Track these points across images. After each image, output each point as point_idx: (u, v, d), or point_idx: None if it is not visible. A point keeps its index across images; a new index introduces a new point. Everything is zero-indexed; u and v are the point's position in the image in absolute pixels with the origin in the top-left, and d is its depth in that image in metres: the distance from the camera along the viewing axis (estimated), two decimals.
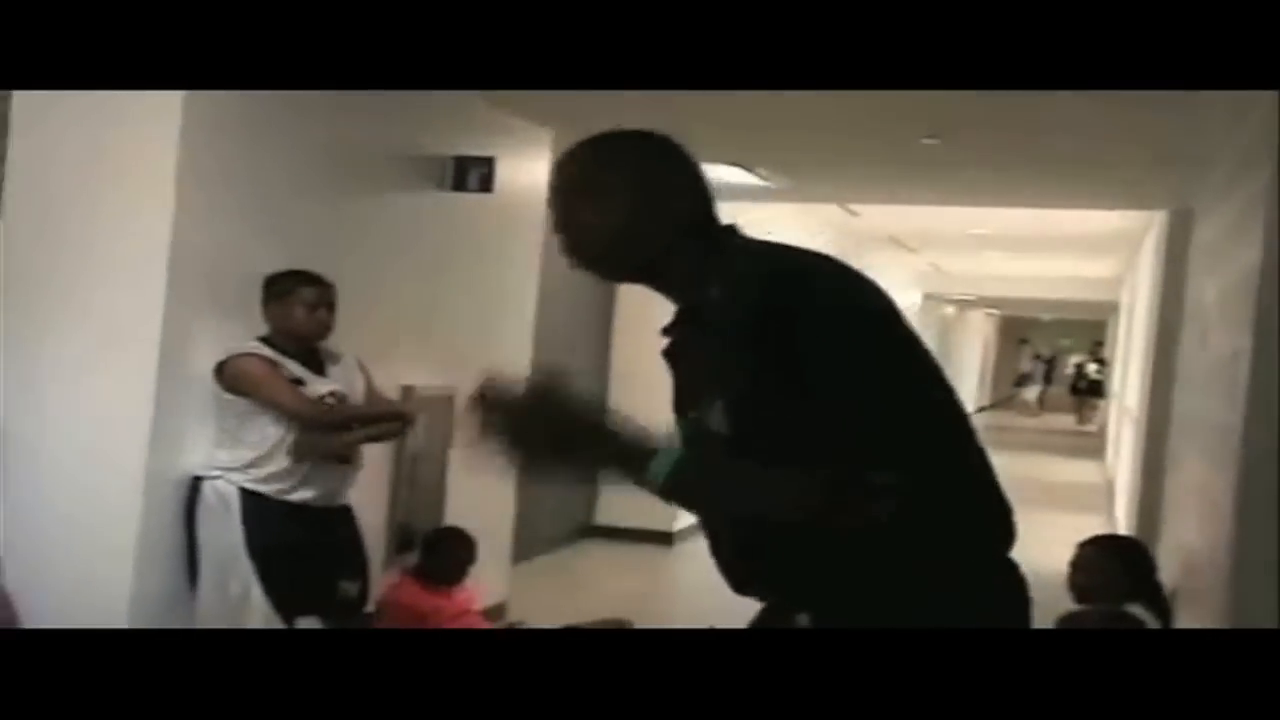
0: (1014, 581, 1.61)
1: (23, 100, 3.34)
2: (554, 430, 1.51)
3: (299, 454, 3.33)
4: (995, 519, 1.62)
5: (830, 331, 1.49)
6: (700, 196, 1.67)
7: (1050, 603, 3.08)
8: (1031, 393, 24.38)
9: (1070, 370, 25.97)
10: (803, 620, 1.59)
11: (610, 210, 1.63)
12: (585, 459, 1.55)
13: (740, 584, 1.64)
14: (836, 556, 1.52)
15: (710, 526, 1.66)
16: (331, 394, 3.47)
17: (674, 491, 1.51)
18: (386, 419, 3.62)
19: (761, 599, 1.65)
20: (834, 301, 1.53)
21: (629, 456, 1.51)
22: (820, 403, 1.48)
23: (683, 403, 1.66)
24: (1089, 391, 22.56)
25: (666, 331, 1.67)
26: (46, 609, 3.12)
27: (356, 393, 3.55)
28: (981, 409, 17.58)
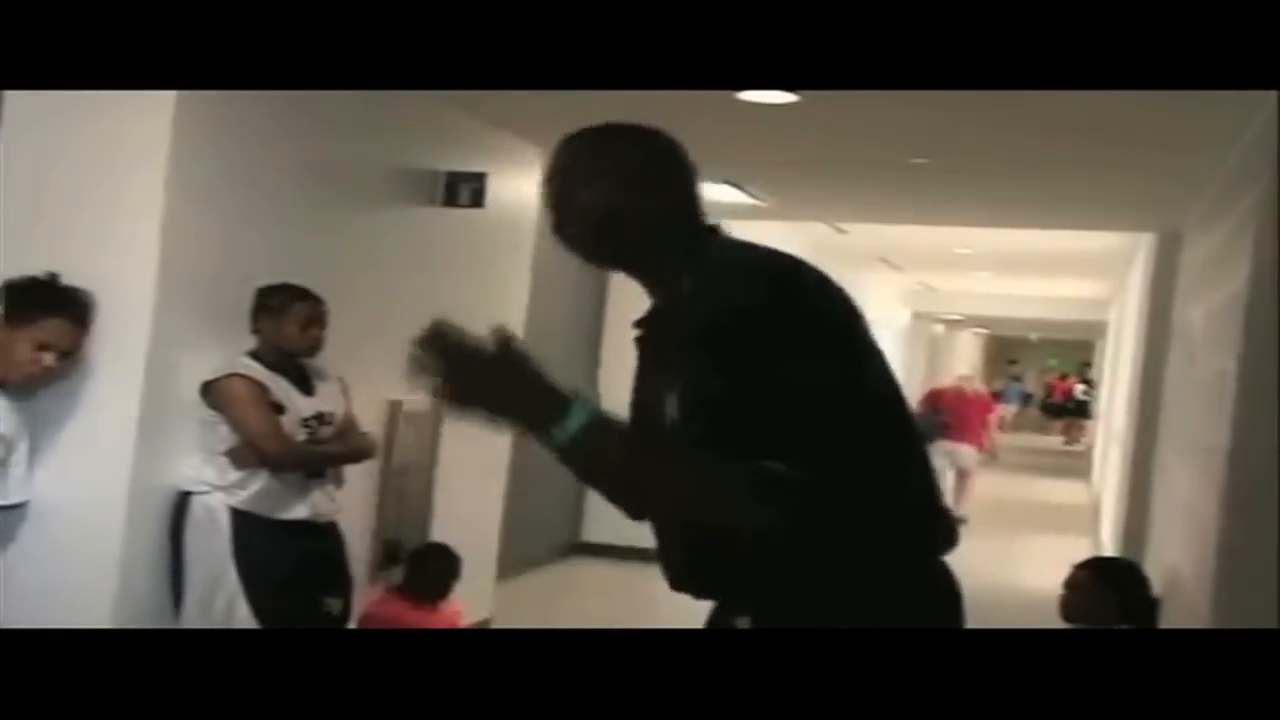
0: (944, 583, 1.66)
1: (12, 111, 3.33)
2: (467, 368, 1.50)
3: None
4: (929, 523, 1.66)
5: (782, 335, 1.54)
6: (689, 196, 1.73)
7: (1040, 625, 3.07)
8: (1005, 410, 24.49)
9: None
10: (743, 624, 1.63)
11: (600, 193, 1.69)
12: (493, 401, 1.51)
13: (675, 581, 1.70)
14: (766, 558, 1.56)
15: (655, 522, 1.71)
16: (318, 416, 3.46)
17: (573, 457, 1.50)
18: (350, 460, 3.61)
19: (696, 596, 1.69)
20: (792, 305, 1.57)
21: (538, 407, 1.49)
22: (757, 402, 1.51)
23: (641, 392, 1.71)
24: (1075, 412, 22.62)
25: (639, 324, 1.73)
26: (30, 623, 3.10)
27: (339, 416, 3.54)
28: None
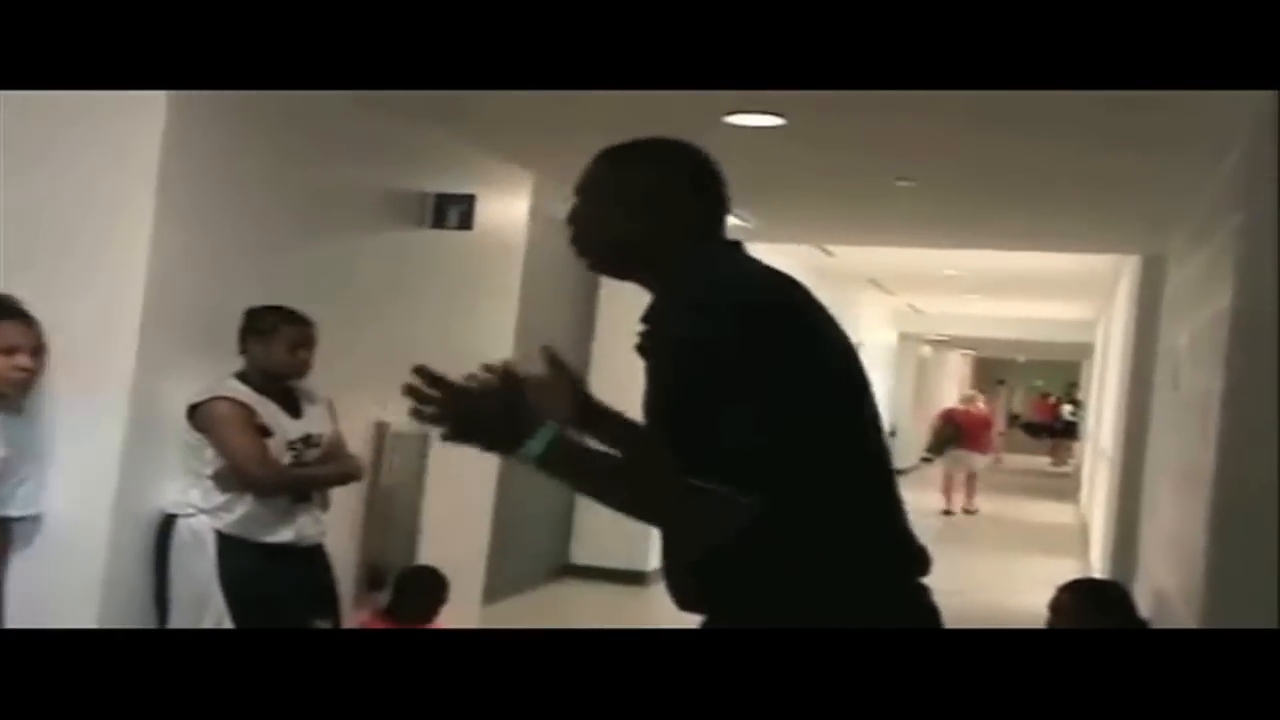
0: (923, 605, 1.68)
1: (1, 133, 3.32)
2: (453, 400, 1.64)
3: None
4: (897, 546, 1.68)
5: (747, 351, 1.57)
6: (699, 211, 1.76)
7: None
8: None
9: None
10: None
11: (605, 216, 1.75)
12: (470, 428, 1.64)
13: (680, 600, 1.71)
14: (753, 577, 1.60)
15: (664, 542, 1.75)
16: (304, 438, 3.45)
17: (547, 469, 1.62)
18: (337, 483, 3.60)
19: (692, 611, 1.71)
20: (766, 326, 1.60)
21: (509, 432, 1.62)
22: (714, 415, 1.56)
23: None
24: (1063, 433, 22.66)
25: (642, 329, 1.77)
26: None
27: (326, 438, 3.53)
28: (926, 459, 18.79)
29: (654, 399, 1.64)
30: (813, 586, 1.58)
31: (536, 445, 1.59)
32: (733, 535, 1.55)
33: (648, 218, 1.73)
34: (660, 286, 1.73)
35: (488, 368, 1.76)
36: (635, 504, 1.64)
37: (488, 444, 1.64)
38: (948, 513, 12.66)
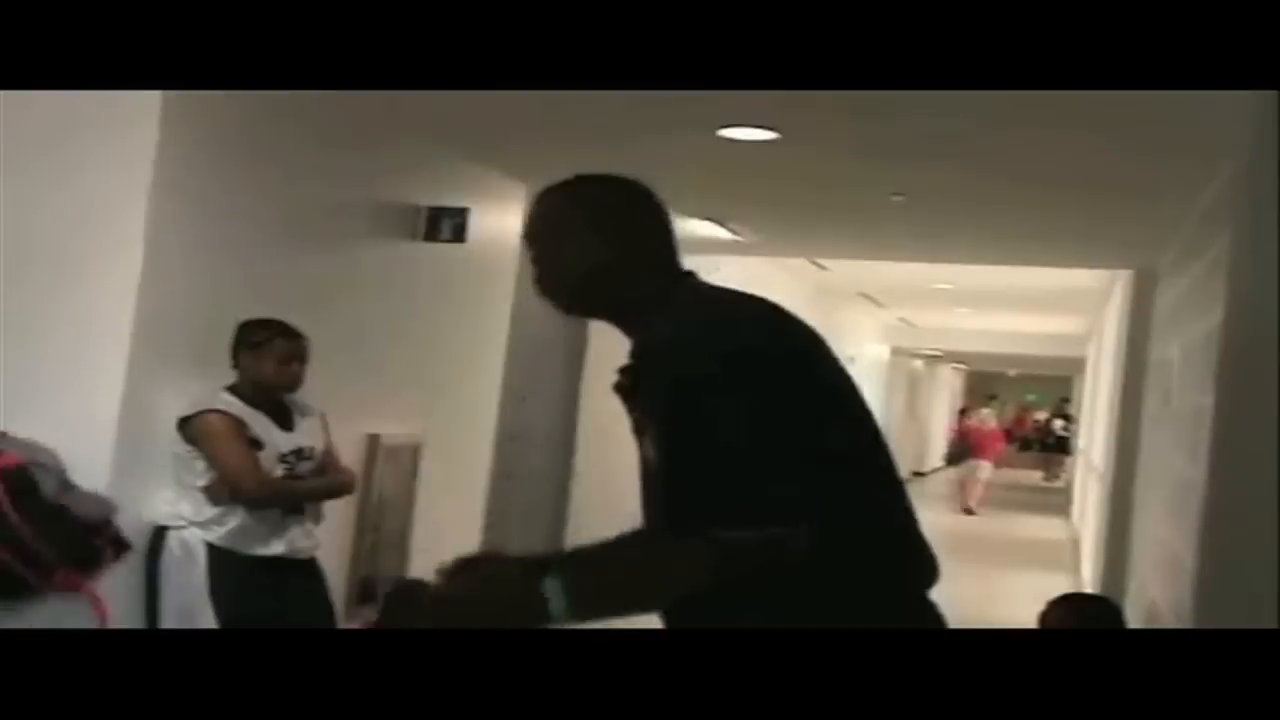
0: (931, 620, 1.67)
1: None
2: (451, 614, 1.62)
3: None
4: (912, 560, 1.68)
5: (744, 382, 1.55)
6: (662, 242, 1.75)
7: None
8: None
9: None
10: None
11: (579, 248, 1.72)
12: (483, 616, 1.60)
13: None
14: (755, 595, 1.57)
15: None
16: (296, 451, 3.45)
17: (583, 612, 1.56)
18: (328, 496, 3.59)
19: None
20: (755, 354, 1.59)
21: (523, 609, 1.57)
22: (728, 448, 1.54)
23: (639, 446, 1.72)
24: (1056, 448, 22.69)
25: (622, 371, 1.74)
26: None
27: (319, 451, 3.53)
28: (919, 472, 19.46)
29: (661, 430, 1.60)
30: (824, 601, 1.57)
31: (553, 590, 1.54)
32: (785, 569, 1.52)
33: (613, 245, 1.71)
34: (642, 323, 1.70)
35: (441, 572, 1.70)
36: (673, 589, 1.58)
37: (512, 617, 1.59)
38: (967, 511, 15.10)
